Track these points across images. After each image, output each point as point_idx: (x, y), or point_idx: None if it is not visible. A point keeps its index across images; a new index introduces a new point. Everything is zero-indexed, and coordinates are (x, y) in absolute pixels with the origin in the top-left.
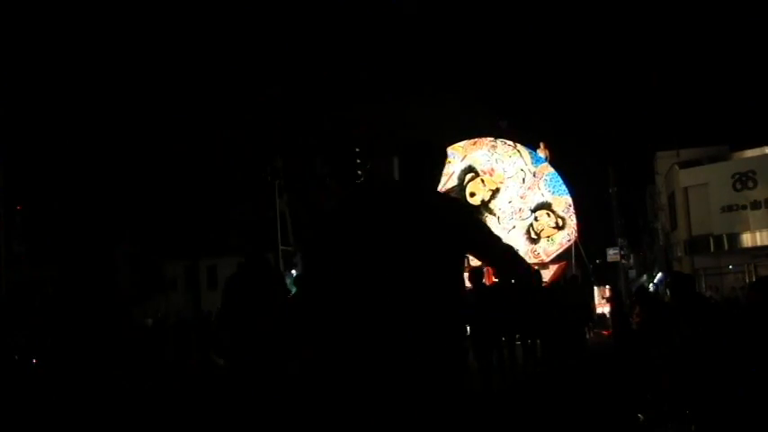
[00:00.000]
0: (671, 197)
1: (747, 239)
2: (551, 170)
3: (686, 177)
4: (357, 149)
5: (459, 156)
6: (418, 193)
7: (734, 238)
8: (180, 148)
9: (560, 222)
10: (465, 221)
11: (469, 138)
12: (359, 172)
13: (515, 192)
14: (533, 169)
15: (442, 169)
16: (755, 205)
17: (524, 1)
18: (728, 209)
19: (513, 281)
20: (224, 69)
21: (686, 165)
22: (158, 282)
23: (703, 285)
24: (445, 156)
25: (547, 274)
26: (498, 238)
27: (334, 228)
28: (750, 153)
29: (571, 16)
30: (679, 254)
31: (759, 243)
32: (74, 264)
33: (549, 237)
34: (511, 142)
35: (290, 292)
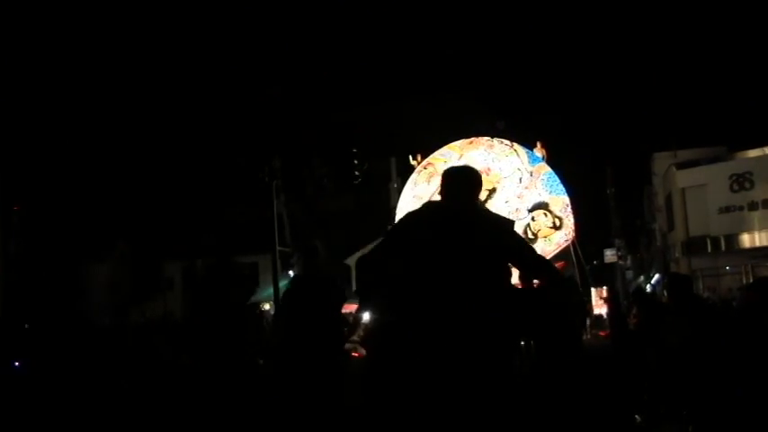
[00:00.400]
0: (668, 198)
1: (745, 240)
2: (548, 169)
3: (683, 178)
4: (355, 150)
5: (456, 155)
6: (465, 212)
7: (731, 239)
8: (177, 149)
9: (557, 222)
10: (506, 235)
11: (466, 137)
12: (356, 172)
13: (512, 191)
14: (530, 168)
15: (480, 190)
16: (753, 206)
17: (522, 1)
18: (726, 210)
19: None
20: (222, 69)
21: (683, 166)
22: (156, 282)
23: (700, 286)
24: (480, 179)
25: None
26: (533, 250)
27: (395, 243)
28: (747, 154)
29: (569, 16)
30: (676, 255)
31: (757, 244)
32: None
33: (546, 237)
34: (508, 141)
35: (254, 291)
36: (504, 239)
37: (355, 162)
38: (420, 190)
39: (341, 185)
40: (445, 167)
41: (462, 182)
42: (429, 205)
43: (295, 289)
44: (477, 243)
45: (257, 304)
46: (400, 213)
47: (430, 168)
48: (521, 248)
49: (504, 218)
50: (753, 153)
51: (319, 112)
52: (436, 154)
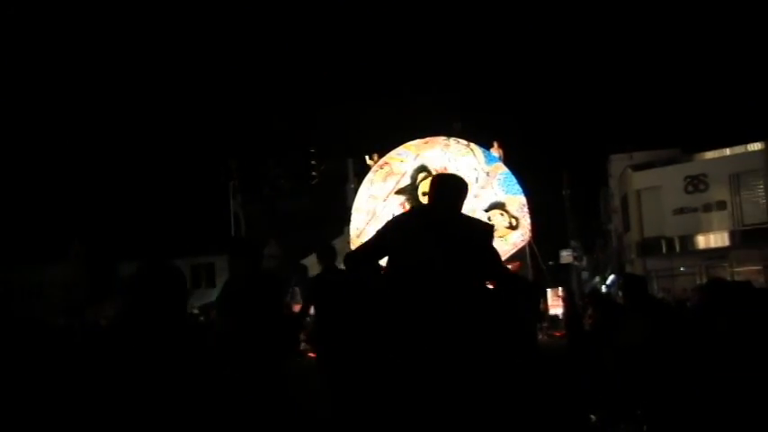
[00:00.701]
0: (624, 199)
1: (699, 242)
2: (505, 169)
3: (639, 180)
4: (312, 150)
5: (412, 155)
6: (451, 217)
7: (686, 240)
8: (134, 149)
9: (514, 222)
10: (489, 243)
11: (423, 137)
12: (314, 173)
13: (469, 191)
14: (487, 168)
15: (465, 198)
16: (707, 207)
17: (479, 3)
18: (680, 211)
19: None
20: (179, 68)
21: (639, 167)
22: (112, 282)
23: (655, 287)
24: (467, 188)
25: None
26: (501, 262)
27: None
28: (702, 156)
29: (526, 18)
30: (632, 256)
31: (711, 245)
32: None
33: (502, 237)
34: (464, 141)
35: (191, 294)
36: (486, 247)
37: (313, 162)
38: (376, 189)
39: (298, 186)
40: (402, 166)
41: (451, 189)
42: (416, 210)
43: (223, 293)
44: (462, 248)
45: (211, 306)
46: (356, 213)
47: (386, 168)
48: (497, 258)
49: (486, 224)
50: (707, 155)
51: (277, 113)
52: (392, 153)
